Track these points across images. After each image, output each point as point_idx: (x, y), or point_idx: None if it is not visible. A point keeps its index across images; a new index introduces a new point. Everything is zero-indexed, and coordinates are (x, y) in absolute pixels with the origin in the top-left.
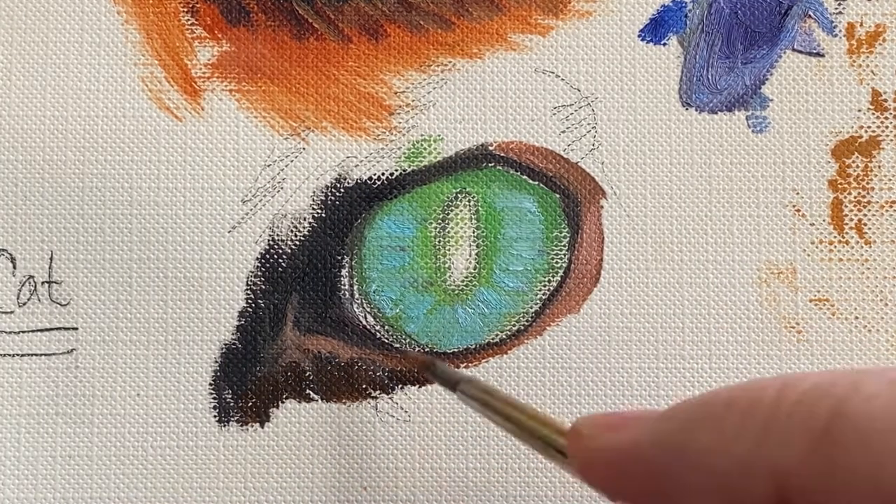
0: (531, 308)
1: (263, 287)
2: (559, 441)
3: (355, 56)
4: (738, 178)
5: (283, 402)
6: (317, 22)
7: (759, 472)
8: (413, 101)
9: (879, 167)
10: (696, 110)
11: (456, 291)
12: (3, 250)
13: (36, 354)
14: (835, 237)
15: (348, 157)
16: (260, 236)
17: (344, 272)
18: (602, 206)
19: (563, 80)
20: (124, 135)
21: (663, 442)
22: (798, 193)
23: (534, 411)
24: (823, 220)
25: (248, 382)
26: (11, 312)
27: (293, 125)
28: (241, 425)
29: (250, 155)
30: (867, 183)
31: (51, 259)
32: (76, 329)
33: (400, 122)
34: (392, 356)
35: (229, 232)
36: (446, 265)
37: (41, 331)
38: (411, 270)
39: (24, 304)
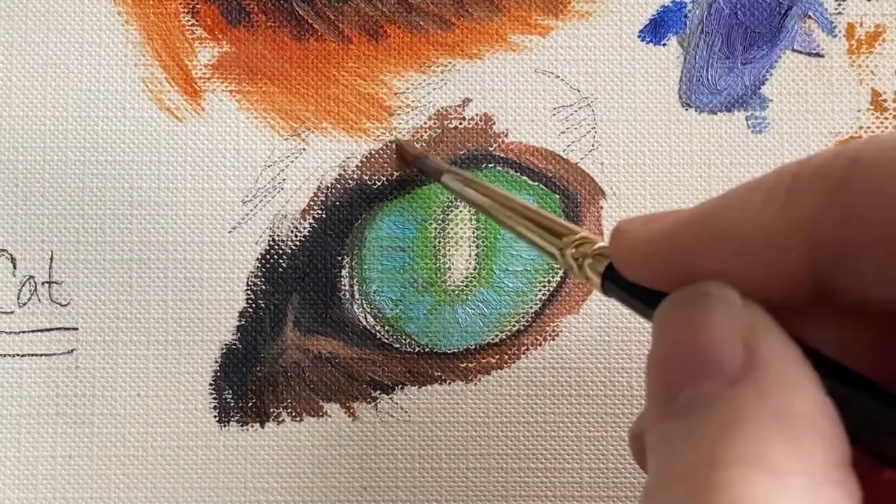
0: (531, 308)
1: (264, 287)
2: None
3: (355, 57)
4: (738, 179)
5: (283, 402)
6: (317, 23)
7: (785, 235)
8: (413, 101)
9: None
10: (696, 111)
11: (456, 292)
12: (3, 250)
13: (36, 354)
14: None
15: (348, 158)
16: (260, 237)
17: (344, 272)
18: (602, 207)
19: (562, 80)
20: (124, 135)
21: (695, 222)
22: None
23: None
24: None
25: (248, 382)
26: (11, 313)
27: (293, 126)
28: (241, 425)
29: (250, 155)
30: None
31: (51, 259)
32: (76, 329)
33: (400, 123)
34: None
35: (229, 232)
36: (446, 265)
37: (41, 331)
38: (411, 271)
39: (25, 304)
